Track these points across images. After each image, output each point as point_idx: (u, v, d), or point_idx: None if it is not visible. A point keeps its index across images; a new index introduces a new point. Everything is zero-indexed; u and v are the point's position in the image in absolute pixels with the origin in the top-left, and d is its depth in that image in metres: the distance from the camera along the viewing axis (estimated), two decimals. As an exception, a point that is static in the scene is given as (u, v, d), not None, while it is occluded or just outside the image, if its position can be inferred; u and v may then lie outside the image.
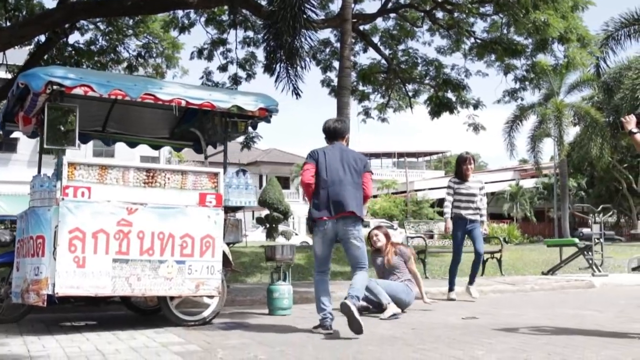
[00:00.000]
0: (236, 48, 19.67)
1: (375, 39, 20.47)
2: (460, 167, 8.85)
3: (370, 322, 6.48)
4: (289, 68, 14.60)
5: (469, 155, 8.90)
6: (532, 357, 4.55)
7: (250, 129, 7.12)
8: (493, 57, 18.61)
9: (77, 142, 5.83)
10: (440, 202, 47.96)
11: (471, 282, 9.08)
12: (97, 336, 5.61)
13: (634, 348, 4.89)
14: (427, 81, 20.97)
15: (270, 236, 32.63)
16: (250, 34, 19.55)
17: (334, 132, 6.23)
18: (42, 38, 18.33)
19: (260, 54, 20.22)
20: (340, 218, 5.82)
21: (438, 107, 19.84)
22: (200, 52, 19.70)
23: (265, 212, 34.48)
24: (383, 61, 20.55)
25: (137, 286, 5.86)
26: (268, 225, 33.33)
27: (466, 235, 8.93)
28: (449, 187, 8.89)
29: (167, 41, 21.06)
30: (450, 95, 20.07)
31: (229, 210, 6.62)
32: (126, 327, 6.06)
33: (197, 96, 6.24)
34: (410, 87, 21.65)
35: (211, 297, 6.31)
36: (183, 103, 6.13)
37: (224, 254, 6.43)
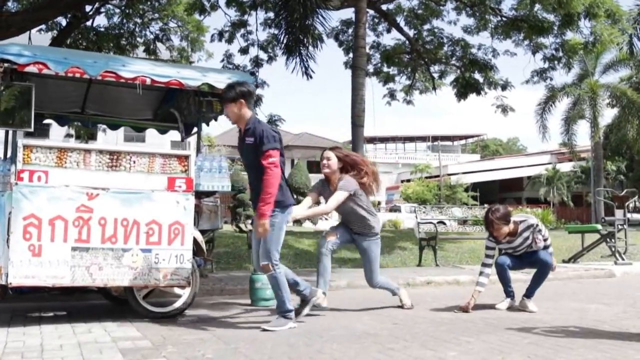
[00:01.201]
0: (257, 30, 19.34)
1: (400, 19, 19.94)
2: (489, 232, 6.47)
3: (353, 316, 6.09)
4: (301, 48, 14.19)
5: (495, 215, 6.24)
6: (508, 360, 4.09)
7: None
8: (521, 35, 17.99)
9: (32, 123, 5.46)
10: (475, 187, 47.62)
11: (529, 294, 6.52)
12: (54, 329, 5.28)
13: (628, 350, 4.37)
14: (453, 62, 20.44)
15: (296, 221, 32.16)
16: (272, 15, 19.08)
17: None
18: (64, 22, 18.33)
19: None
20: None
21: (464, 88, 19.43)
22: (220, 35, 19.45)
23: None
24: (407, 42, 20.03)
25: (98, 276, 5.51)
26: (294, 210, 32.85)
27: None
28: (488, 247, 6.56)
29: (191, 24, 20.92)
30: (477, 76, 19.57)
31: (204, 195, 6.25)
32: (92, 319, 5.74)
33: (163, 74, 5.84)
34: (436, 68, 21.14)
35: (183, 287, 5.94)
36: (148, 81, 5.74)
37: (197, 242, 6.05)
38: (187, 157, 5.92)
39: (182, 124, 7.27)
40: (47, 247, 5.33)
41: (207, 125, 7.39)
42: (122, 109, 7.63)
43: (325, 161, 6.19)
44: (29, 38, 18.00)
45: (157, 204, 5.73)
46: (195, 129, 7.48)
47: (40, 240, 5.32)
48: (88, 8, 18.64)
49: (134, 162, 5.73)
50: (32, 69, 5.37)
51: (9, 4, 17.64)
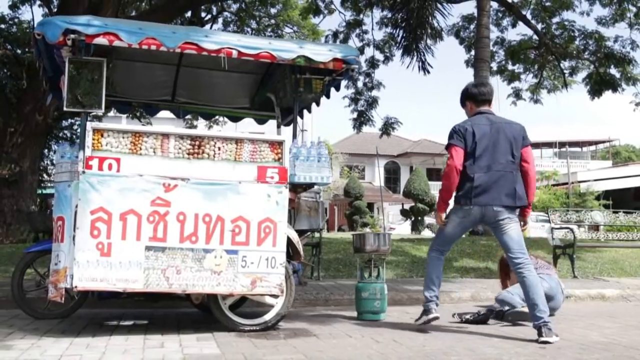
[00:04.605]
0: (372, 29, 18.58)
1: (526, 13, 18.54)
2: None
3: (480, 335, 4.97)
4: (418, 42, 13.22)
5: None
6: None
7: (333, 90, 5.75)
8: (666, 25, 16.20)
9: (103, 104, 4.74)
10: (607, 195, 44.33)
11: None
12: (124, 340, 4.55)
13: None
14: (585, 56, 18.75)
15: (415, 229, 30.99)
16: (388, 13, 18.21)
17: None
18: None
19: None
20: None
21: (599, 85, 17.84)
22: (335, 35, 18.87)
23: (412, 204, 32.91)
24: (535, 37, 18.57)
25: (176, 281, 4.72)
26: (413, 218, 31.70)
27: None
28: None
29: (307, 28, 20.63)
30: (613, 71, 17.91)
31: (300, 188, 5.32)
32: (171, 331, 4.96)
33: (252, 45, 4.97)
34: (566, 64, 19.51)
35: (275, 296, 5.05)
36: (234, 54, 4.89)
37: (292, 244, 5.15)
38: (280, 144, 5.06)
39: (278, 109, 6.41)
40: (117, 246, 4.61)
41: (309, 111, 6.49)
42: (216, 96, 6.88)
43: None
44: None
45: (245, 198, 4.89)
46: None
47: (109, 238, 4.60)
48: (204, 14, 18.65)
49: (219, 148, 4.93)
50: (101, 40, 4.64)
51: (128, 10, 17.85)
